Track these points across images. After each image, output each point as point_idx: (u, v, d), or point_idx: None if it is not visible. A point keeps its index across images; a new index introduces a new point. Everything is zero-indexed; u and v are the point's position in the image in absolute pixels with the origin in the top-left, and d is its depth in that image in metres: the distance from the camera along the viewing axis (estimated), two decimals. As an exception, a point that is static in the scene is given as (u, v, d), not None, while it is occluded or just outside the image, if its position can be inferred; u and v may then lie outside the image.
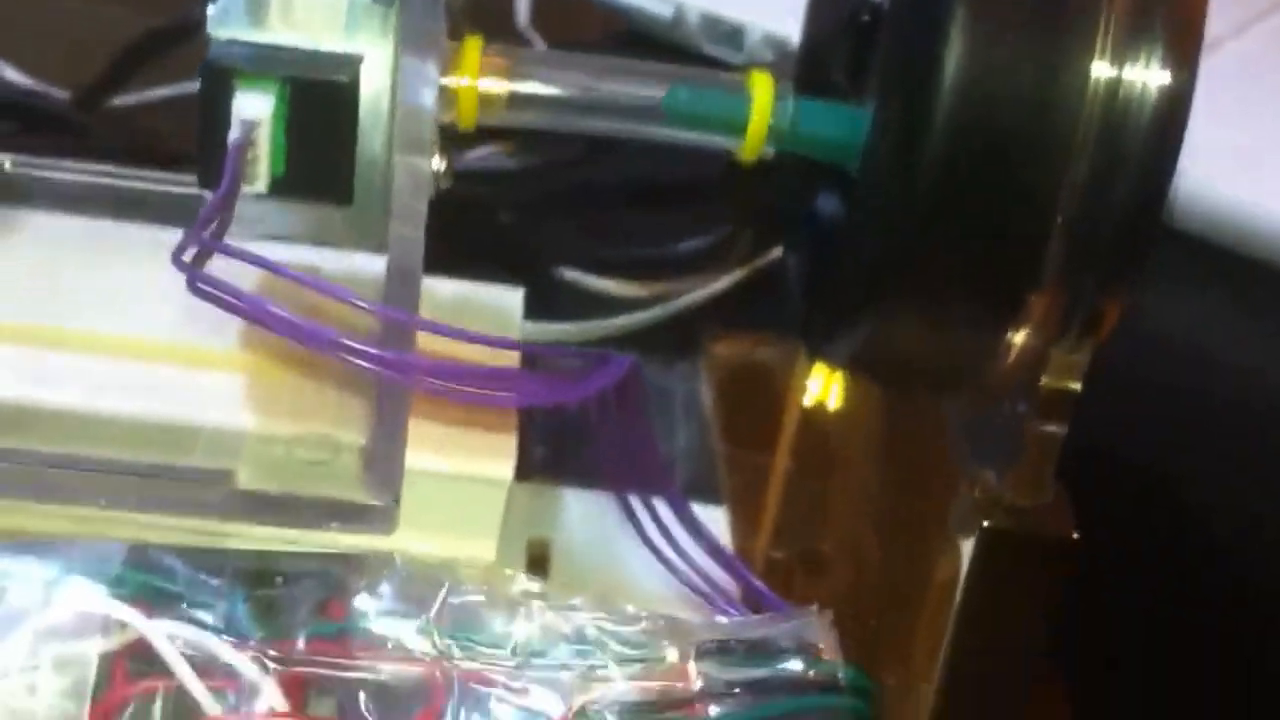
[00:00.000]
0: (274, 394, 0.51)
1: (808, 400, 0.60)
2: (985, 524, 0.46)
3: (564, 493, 0.56)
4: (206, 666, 0.41)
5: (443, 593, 0.42)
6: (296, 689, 0.42)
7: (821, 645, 0.42)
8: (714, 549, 0.47)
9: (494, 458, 0.51)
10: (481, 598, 0.43)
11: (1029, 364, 0.45)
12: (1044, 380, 0.45)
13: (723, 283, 0.68)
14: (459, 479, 0.50)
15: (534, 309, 0.58)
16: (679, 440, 0.61)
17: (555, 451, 0.56)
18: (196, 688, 0.41)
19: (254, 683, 0.41)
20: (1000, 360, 0.46)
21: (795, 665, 0.42)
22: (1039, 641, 0.47)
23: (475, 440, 0.51)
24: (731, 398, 0.62)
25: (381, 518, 0.48)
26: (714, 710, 0.41)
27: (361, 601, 0.43)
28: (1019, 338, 0.45)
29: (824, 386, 0.60)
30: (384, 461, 0.47)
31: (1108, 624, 0.54)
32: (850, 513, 0.57)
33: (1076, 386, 0.45)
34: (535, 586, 0.43)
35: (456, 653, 0.42)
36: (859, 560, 0.55)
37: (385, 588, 0.43)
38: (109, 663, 0.42)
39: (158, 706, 0.41)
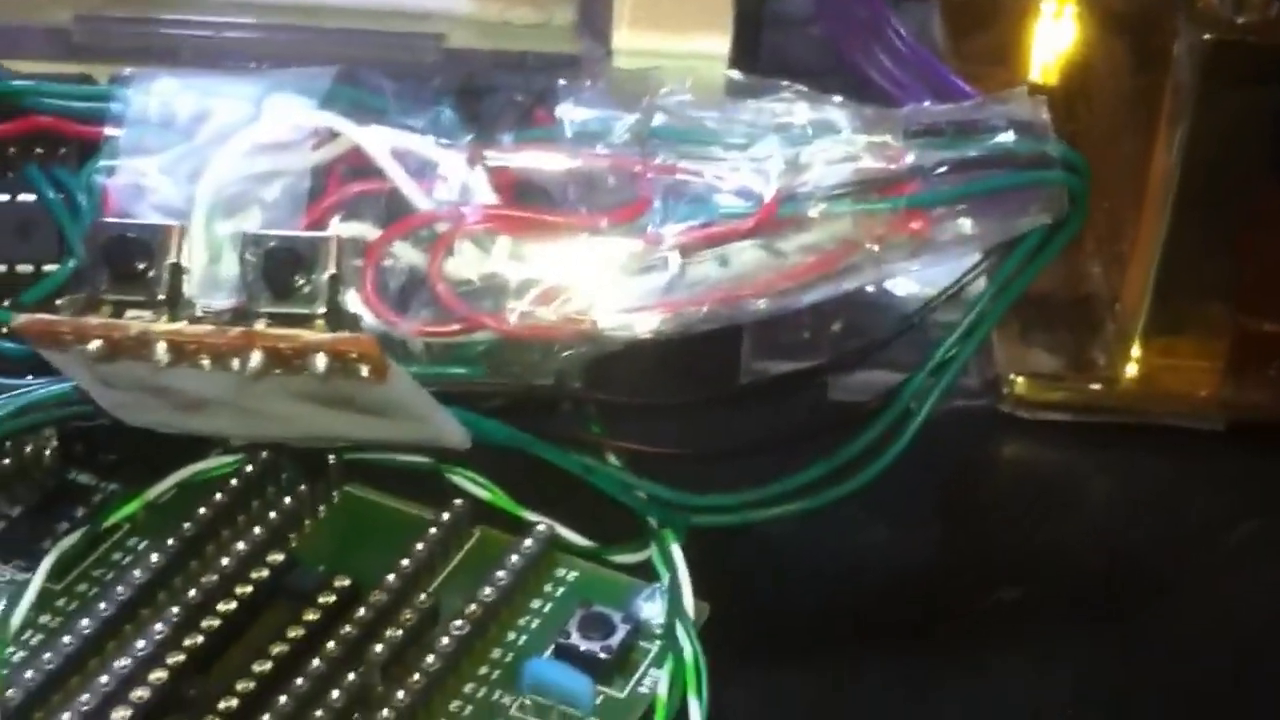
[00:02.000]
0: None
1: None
2: (1207, 37, 0.44)
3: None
4: (417, 169, 0.42)
5: (649, 94, 0.42)
6: (506, 186, 0.42)
7: (1033, 123, 0.40)
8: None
9: (709, 33, 0.50)
10: (688, 96, 0.42)
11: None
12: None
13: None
14: (675, 56, 0.50)
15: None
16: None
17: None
18: (409, 187, 0.42)
19: (464, 181, 0.41)
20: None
21: (1006, 141, 0.40)
22: (1263, 153, 0.45)
23: (690, 17, 0.50)
24: (962, 24, 0.61)
25: (595, 70, 0.47)
26: (923, 188, 0.40)
27: (568, 107, 0.42)
28: None
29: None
30: (594, 11, 0.47)
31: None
32: (1080, 110, 0.56)
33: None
34: (742, 79, 0.42)
35: (664, 148, 0.41)
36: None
37: (591, 93, 0.42)
38: (322, 171, 0.42)
39: (371, 208, 0.42)
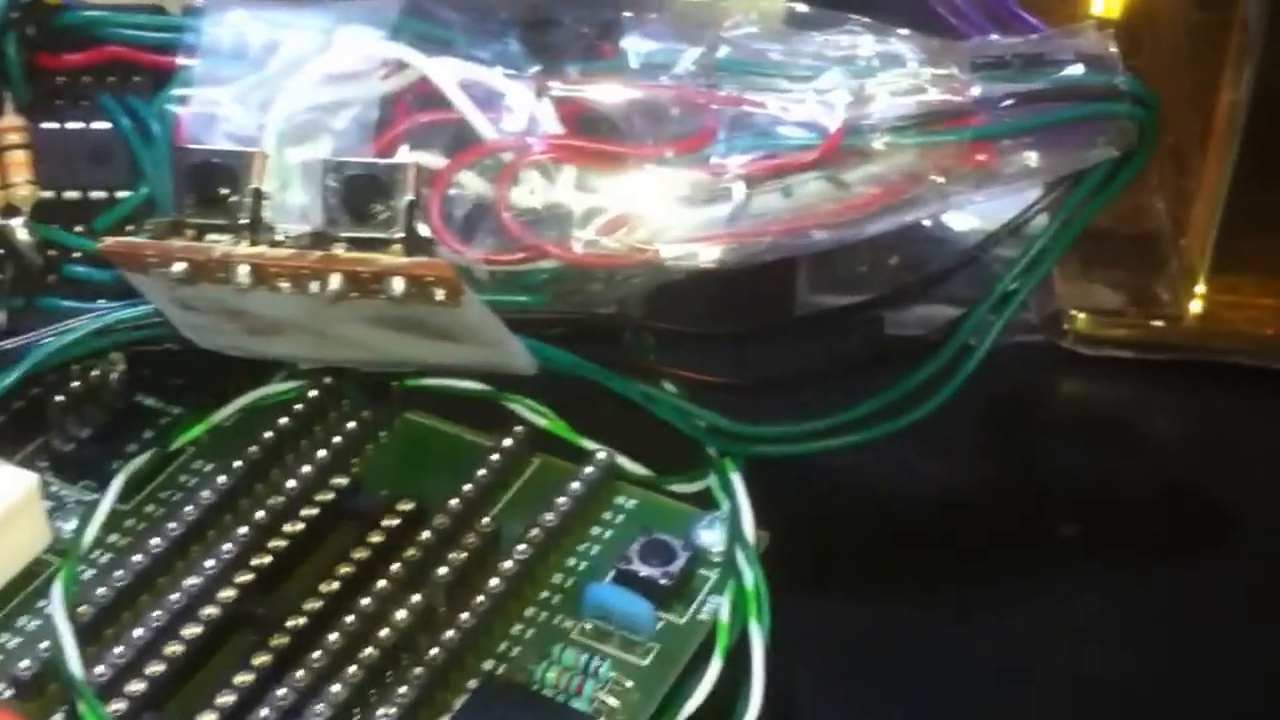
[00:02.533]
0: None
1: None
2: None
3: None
4: (484, 100, 0.42)
5: (714, 26, 0.42)
6: (571, 117, 0.42)
7: (1102, 56, 0.40)
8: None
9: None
10: (753, 28, 0.42)
11: None
12: None
13: None
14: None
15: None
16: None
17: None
18: (475, 118, 0.42)
19: (531, 111, 0.42)
20: None
21: (1074, 74, 0.40)
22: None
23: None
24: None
25: (660, 3, 0.47)
26: (988, 121, 0.40)
27: (633, 39, 0.42)
28: None
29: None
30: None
31: None
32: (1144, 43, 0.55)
33: None
34: (807, 10, 0.42)
35: (729, 80, 0.42)
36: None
37: (656, 25, 0.42)
38: (390, 101, 0.42)
39: (439, 138, 0.42)
